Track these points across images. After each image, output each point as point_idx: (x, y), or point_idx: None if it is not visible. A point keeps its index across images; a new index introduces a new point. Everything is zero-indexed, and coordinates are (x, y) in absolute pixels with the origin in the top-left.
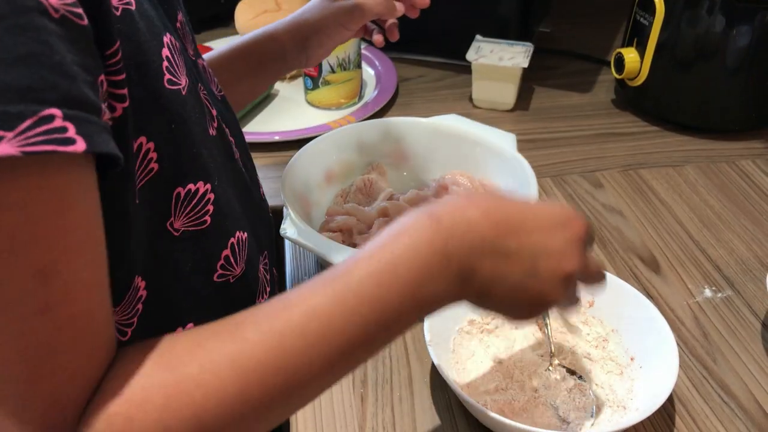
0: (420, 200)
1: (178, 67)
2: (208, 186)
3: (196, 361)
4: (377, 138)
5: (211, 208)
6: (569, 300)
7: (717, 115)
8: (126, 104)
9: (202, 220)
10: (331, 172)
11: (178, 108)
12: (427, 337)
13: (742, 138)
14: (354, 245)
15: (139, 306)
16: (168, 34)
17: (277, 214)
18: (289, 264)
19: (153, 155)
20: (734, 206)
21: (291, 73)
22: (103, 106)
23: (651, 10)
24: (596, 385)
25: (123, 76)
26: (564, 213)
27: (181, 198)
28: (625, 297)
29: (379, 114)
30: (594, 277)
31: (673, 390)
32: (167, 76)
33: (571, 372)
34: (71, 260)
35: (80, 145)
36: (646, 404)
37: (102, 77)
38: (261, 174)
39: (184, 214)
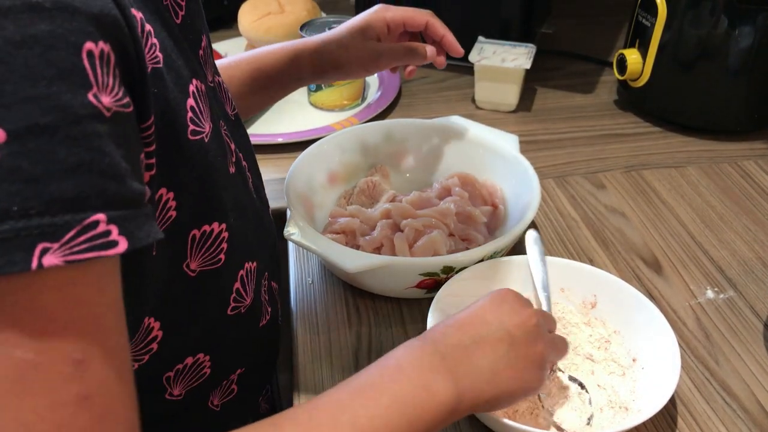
0: (422, 202)
1: (202, 113)
2: (224, 225)
3: None
4: (380, 140)
5: (225, 246)
6: (551, 341)
7: (719, 116)
8: (153, 171)
9: (216, 258)
10: (334, 173)
11: (200, 157)
12: None
13: (745, 139)
14: (357, 247)
15: (154, 345)
16: (194, 80)
17: (280, 216)
18: (292, 266)
19: (172, 204)
20: (737, 207)
21: None
22: (146, 188)
23: (653, 11)
24: (598, 386)
25: (153, 147)
26: (494, 293)
27: (197, 240)
28: (628, 298)
29: (382, 115)
30: (549, 319)
31: (675, 391)
32: (191, 127)
33: (573, 379)
34: (105, 347)
35: (122, 246)
36: (648, 405)
37: (142, 155)
38: (264, 176)
39: (200, 255)
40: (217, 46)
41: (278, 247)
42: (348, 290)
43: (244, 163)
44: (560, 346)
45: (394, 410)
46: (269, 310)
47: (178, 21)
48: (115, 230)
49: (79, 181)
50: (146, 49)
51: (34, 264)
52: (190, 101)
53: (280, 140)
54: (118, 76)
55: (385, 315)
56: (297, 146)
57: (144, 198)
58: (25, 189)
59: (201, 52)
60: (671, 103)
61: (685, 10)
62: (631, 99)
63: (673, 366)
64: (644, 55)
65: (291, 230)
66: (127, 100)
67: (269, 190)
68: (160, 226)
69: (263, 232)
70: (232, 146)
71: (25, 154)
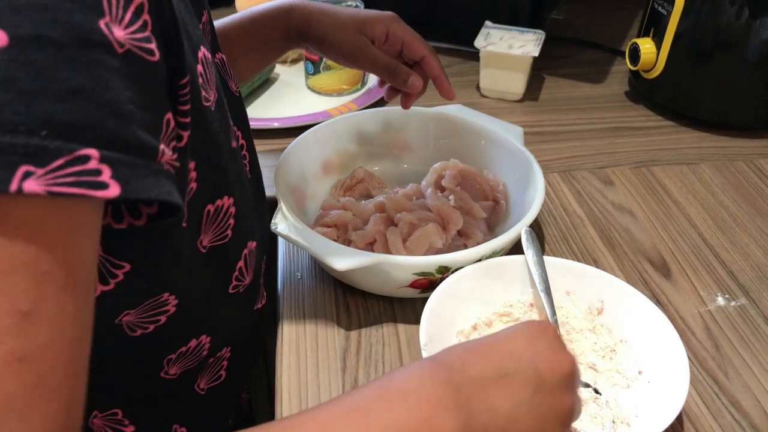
0: (419, 194)
1: (209, 82)
2: (231, 200)
3: None
4: (378, 128)
5: (232, 221)
6: (579, 402)
7: (736, 111)
8: (189, 132)
9: (224, 234)
10: (328, 162)
11: (209, 124)
12: (422, 340)
13: (762, 135)
14: (349, 242)
15: (162, 318)
16: (202, 47)
17: (272, 206)
18: (281, 259)
19: (193, 174)
20: (751, 208)
21: (292, 56)
22: (163, 146)
23: None
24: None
25: (189, 106)
26: (530, 323)
27: (210, 215)
28: (635, 305)
29: (382, 101)
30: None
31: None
32: (202, 93)
33: (586, 385)
34: (61, 305)
35: (113, 190)
36: (652, 422)
37: (169, 115)
38: (259, 162)
39: (211, 231)
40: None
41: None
42: (339, 287)
43: (242, 141)
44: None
45: None
46: (265, 294)
47: None
48: (107, 171)
49: (75, 107)
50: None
51: (14, 186)
52: (199, 67)
53: (275, 125)
54: (143, 18)
55: (376, 314)
56: (293, 131)
57: (156, 153)
58: (17, 101)
59: (201, 26)
60: (685, 96)
61: None
62: (643, 91)
63: (681, 382)
64: (659, 45)
65: (278, 222)
66: (151, 46)
67: (264, 177)
68: (185, 200)
69: (261, 213)
70: (231, 122)
71: (24, 64)
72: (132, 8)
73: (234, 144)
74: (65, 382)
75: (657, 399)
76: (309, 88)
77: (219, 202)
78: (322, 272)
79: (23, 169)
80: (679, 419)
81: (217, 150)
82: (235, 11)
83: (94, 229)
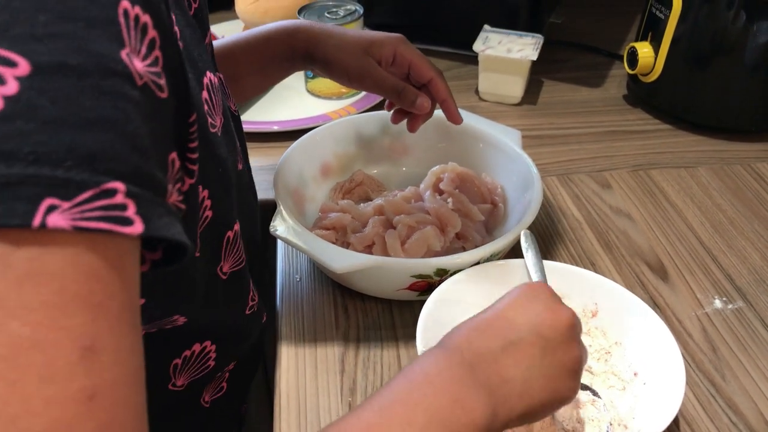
0: (417, 197)
1: (215, 107)
2: (238, 224)
3: None
4: (376, 131)
5: (240, 243)
6: (585, 351)
7: (733, 115)
8: (197, 166)
9: (241, 258)
10: (327, 165)
11: (216, 150)
12: (419, 346)
13: (759, 139)
14: (348, 244)
15: (168, 325)
16: (208, 73)
17: (271, 209)
18: (280, 262)
19: (208, 203)
20: (748, 211)
21: None
22: (170, 187)
23: (668, 3)
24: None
25: (197, 144)
26: (523, 287)
27: (230, 241)
28: (631, 307)
29: (381, 105)
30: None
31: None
32: (209, 120)
33: (584, 387)
34: (118, 337)
35: (137, 227)
36: (649, 424)
37: (173, 155)
38: (258, 164)
39: (231, 257)
40: (213, 29)
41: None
42: (337, 289)
43: (248, 163)
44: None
45: (432, 429)
46: (256, 296)
47: (191, 13)
48: (132, 207)
49: (100, 138)
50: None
51: (37, 221)
52: (204, 94)
53: (275, 128)
54: (156, 53)
55: (374, 317)
56: (292, 135)
57: (166, 194)
58: (40, 130)
59: (207, 48)
60: (683, 99)
61: (702, 2)
62: (641, 94)
63: (677, 384)
64: (656, 49)
65: (277, 225)
66: (161, 81)
67: (262, 180)
68: (201, 227)
69: (257, 229)
70: (237, 143)
71: (47, 92)
72: (147, 41)
73: (240, 166)
74: (134, 418)
75: (653, 401)
76: (308, 91)
77: (237, 227)
78: (320, 275)
79: (48, 202)
80: (675, 421)
81: (226, 175)
82: (234, 15)
83: (135, 257)
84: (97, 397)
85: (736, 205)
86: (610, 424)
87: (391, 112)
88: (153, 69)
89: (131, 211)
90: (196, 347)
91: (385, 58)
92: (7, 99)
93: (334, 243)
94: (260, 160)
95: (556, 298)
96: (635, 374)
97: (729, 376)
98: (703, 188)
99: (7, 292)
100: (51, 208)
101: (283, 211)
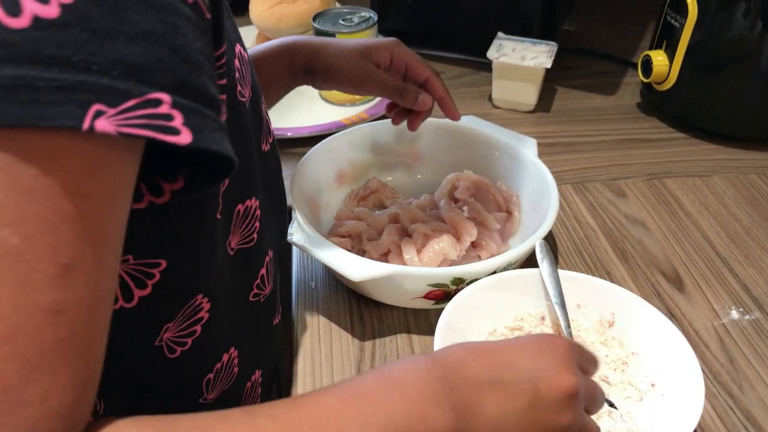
0: (432, 205)
1: (245, 78)
2: (257, 202)
3: None
4: (391, 138)
5: (257, 225)
6: (585, 425)
7: (749, 123)
8: (224, 112)
9: (251, 237)
10: (342, 172)
11: (244, 120)
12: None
13: None
14: (363, 252)
15: (197, 328)
16: (238, 44)
17: (287, 215)
18: (295, 267)
19: None
20: (764, 221)
21: None
22: (223, 105)
23: (683, 11)
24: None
25: (225, 81)
26: (543, 336)
27: (240, 215)
28: (647, 317)
29: None
30: (596, 395)
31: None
32: (238, 87)
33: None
34: (97, 262)
35: (185, 137)
36: None
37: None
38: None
39: (239, 232)
40: None
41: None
42: (353, 297)
43: (278, 151)
44: None
45: None
46: (281, 309)
47: None
48: (179, 117)
49: (147, 50)
50: None
51: (86, 123)
52: (236, 62)
53: (289, 135)
54: None
55: (390, 325)
56: (306, 141)
57: (220, 110)
58: (91, 40)
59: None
60: (698, 108)
61: (717, 10)
62: (655, 102)
63: (696, 394)
64: (671, 57)
65: (293, 233)
66: (207, 2)
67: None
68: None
69: (280, 223)
70: (271, 126)
71: (100, 3)
72: None
73: (265, 147)
74: (92, 337)
75: (671, 412)
76: (322, 98)
77: (248, 203)
78: (335, 282)
79: (95, 107)
80: None
81: (248, 148)
82: (248, 21)
83: (129, 189)
84: (64, 312)
85: (751, 215)
86: None
87: (392, 116)
88: None
89: (178, 122)
90: (225, 357)
91: (382, 62)
92: (64, 6)
93: (349, 250)
94: None
95: (571, 361)
96: (652, 385)
97: (747, 387)
98: (718, 197)
99: (9, 199)
100: (98, 114)
101: (300, 218)
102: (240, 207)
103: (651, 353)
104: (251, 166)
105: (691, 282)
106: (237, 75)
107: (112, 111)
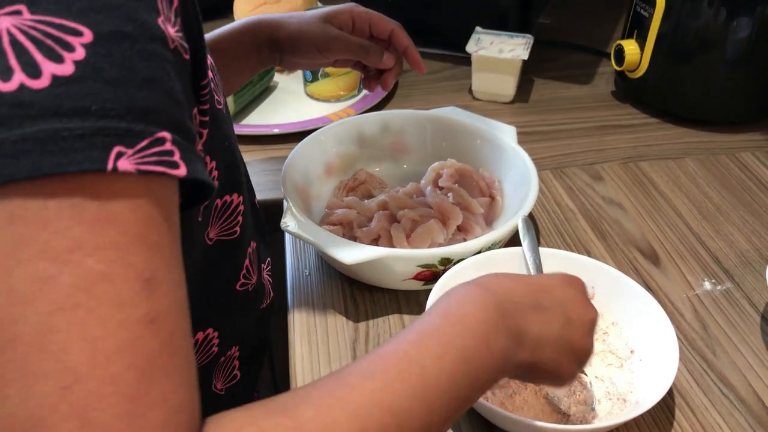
0: (419, 192)
1: (218, 85)
2: (241, 198)
3: (310, 403)
4: (377, 131)
5: (240, 219)
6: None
7: (717, 108)
8: (207, 130)
9: (233, 230)
10: (331, 164)
11: (224, 126)
12: None
13: (742, 130)
14: (354, 238)
15: None
16: (207, 55)
17: (277, 207)
18: (289, 257)
19: (215, 173)
20: (734, 198)
21: None
22: (197, 136)
23: (651, 1)
24: (596, 377)
25: (208, 106)
26: (564, 274)
27: (219, 208)
28: (626, 290)
29: (379, 106)
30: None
31: (673, 383)
32: (216, 96)
33: None
34: (172, 272)
35: (182, 170)
36: (646, 397)
37: (195, 110)
38: (260, 167)
39: (218, 224)
40: None
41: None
42: (345, 282)
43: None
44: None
45: (459, 366)
46: (271, 294)
47: None
48: (177, 153)
49: (151, 95)
50: None
51: (110, 165)
52: (210, 73)
53: (276, 131)
54: (179, 19)
55: (382, 306)
56: (293, 137)
57: (196, 142)
58: (105, 89)
59: None
60: (669, 94)
61: (684, 1)
62: (628, 90)
63: (671, 358)
64: (642, 46)
65: (288, 221)
66: (186, 45)
67: (266, 181)
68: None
69: (256, 214)
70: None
71: (108, 57)
72: (173, 9)
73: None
74: (186, 337)
75: (649, 375)
76: (308, 94)
77: (227, 198)
78: (328, 268)
79: (117, 149)
80: (670, 394)
81: (231, 150)
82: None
83: (176, 204)
84: (157, 320)
85: (722, 193)
86: (598, 402)
87: (364, 82)
88: (180, 34)
89: (177, 156)
90: (199, 335)
91: (345, 24)
92: (78, 63)
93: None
94: (263, 162)
95: (586, 297)
96: (632, 352)
97: (719, 352)
98: (690, 178)
99: (83, 234)
100: (119, 155)
101: (293, 208)
102: (218, 201)
103: (630, 323)
104: (234, 165)
105: (666, 257)
106: (212, 86)
107: (130, 151)
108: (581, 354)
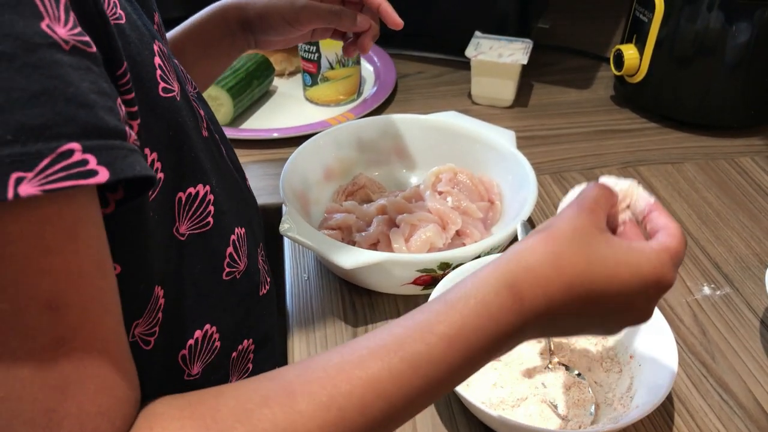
0: (417, 197)
1: (169, 73)
2: (208, 188)
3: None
4: (376, 135)
5: (212, 208)
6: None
7: (716, 112)
8: (138, 120)
9: (205, 221)
10: (330, 169)
11: (174, 115)
12: None
13: (741, 135)
14: (353, 243)
15: (160, 315)
16: (156, 42)
17: (276, 212)
18: (288, 261)
19: (158, 165)
20: (733, 203)
21: (290, 69)
22: (127, 128)
23: (650, 6)
24: (595, 382)
25: (133, 95)
26: (658, 273)
27: (183, 202)
28: None
29: (378, 111)
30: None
31: (672, 388)
32: (162, 84)
33: (570, 369)
34: (81, 291)
35: (103, 176)
36: (645, 402)
37: (119, 101)
38: (260, 171)
39: (187, 218)
40: None
41: (263, 220)
42: (344, 286)
43: (216, 135)
44: None
45: (485, 358)
46: (268, 280)
47: None
48: (93, 160)
49: (45, 109)
50: (105, 4)
51: (10, 193)
52: (157, 59)
53: (275, 135)
54: (72, 15)
55: (381, 311)
56: (292, 141)
57: (125, 135)
58: None
59: (155, 26)
60: (668, 98)
61: (683, 5)
62: (627, 95)
63: (670, 363)
64: (641, 51)
65: (287, 226)
66: (87, 38)
67: (265, 185)
68: (154, 189)
69: (245, 200)
70: (201, 113)
71: None
72: (62, 7)
73: (205, 134)
74: (107, 347)
75: (648, 380)
76: (307, 99)
77: (191, 190)
78: (327, 273)
79: (15, 176)
80: (670, 399)
81: (186, 139)
82: None
83: (96, 216)
84: (67, 340)
85: (721, 198)
86: (597, 406)
87: (343, 49)
88: (75, 30)
89: (93, 164)
90: (198, 334)
91: None
92: None
93: (340, 242)
94: (262, 166)
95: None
96: (631, 357)
97: (719, 357)
98: (689, 182)
99: None
100: (19, 180)
101: (292, 213)
102: (181, 195)
103: (629, 328)
104: (192, 156)
105: None
106: (159, 73)
107: (30, 174)
108: (634, 321)
